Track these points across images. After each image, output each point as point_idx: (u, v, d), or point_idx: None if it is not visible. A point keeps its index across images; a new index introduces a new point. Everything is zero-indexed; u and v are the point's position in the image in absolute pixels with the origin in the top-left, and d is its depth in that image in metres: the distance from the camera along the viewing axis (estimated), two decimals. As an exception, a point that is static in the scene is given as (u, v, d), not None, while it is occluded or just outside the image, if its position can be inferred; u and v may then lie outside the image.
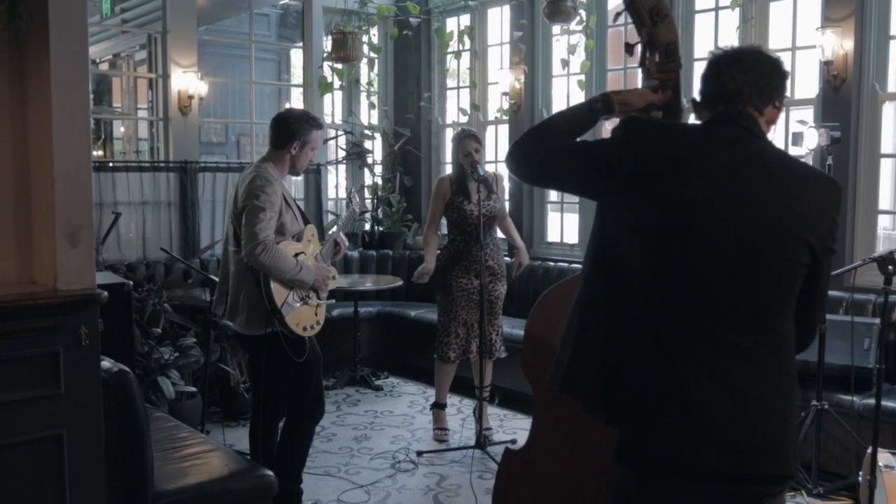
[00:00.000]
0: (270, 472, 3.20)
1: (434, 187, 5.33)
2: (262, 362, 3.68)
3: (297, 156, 3.76)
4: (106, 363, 2.74)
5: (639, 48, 2.24)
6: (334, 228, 4.17)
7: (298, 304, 3.67)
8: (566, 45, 6.45)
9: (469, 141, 4.96)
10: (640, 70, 2.25)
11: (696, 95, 1.98)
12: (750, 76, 1.87)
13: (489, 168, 5.50)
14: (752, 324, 1.80)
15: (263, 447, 3.83)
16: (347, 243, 4.13)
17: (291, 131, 3.71)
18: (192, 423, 5.03)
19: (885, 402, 3.95)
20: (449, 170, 7.60)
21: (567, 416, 2.45)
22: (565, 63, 6.39)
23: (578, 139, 2.02)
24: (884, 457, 3.13)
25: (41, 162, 2.48)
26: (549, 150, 1.97)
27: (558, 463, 2.52)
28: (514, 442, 5.10)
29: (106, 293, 2.48)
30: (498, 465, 2.77)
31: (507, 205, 5.28)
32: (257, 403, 3.83)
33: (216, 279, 4.52)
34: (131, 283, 3.86)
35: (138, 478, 2.81)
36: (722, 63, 1.91)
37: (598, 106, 2.07)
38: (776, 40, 5.48)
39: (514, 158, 2.03)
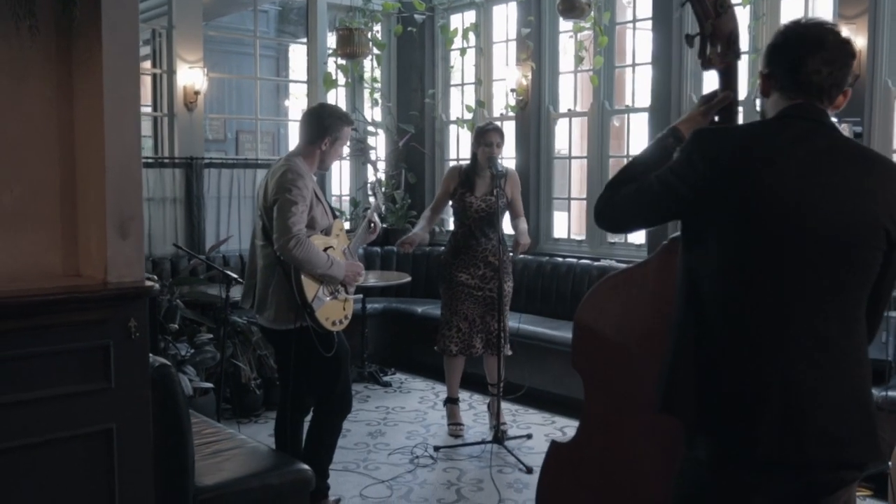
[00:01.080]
0: (307, 467, 3.19)
1: (445, 174, 5.33)
2: (290, 357, 3.66)
3: (328, 151, 3.74)
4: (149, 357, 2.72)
5: (698, 40, 2.25)
6: (368, 211, 4.18)
7: (328, 299, 3.66)
8: (574, 42, 6.45)
9: (493, 133, 4.96)
10: (698, 62, 2.27)
11: (764, 68, 1.95)
12: (832, 69, 1.87)
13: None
14: (836, 313, 1.83)
15: (291, 442, 3.81)
16: (380, 224, 4.14)
17: (324, 126, 3.69)
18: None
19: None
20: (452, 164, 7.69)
21: (620, 411, 2.45)
22: (580, 59, 6.39)
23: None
24: None
25: (90, 153, 2.45)
26: (628, 192, 2.00)
27: (611, 457, 2.51)
28: (529, 436, 5.11)
29: (157, 286, 2.46)
30: (543, 460, 2.75)
31: (519, 201, 5.21)
32: (285, 398, 3.81)
33: (232, 275, 4.52)
34: (156, 277, 3.82)
35: (181, 472, 2.80)
36: (804, 50, 1.87)
37: (670, 141, 2.12)
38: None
39: (602, 214, 2.07)
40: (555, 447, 2.73)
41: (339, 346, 3.74)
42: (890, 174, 1.89)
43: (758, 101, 2.11)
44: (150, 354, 2.79)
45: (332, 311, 3.70)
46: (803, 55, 1.87)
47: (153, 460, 2.60)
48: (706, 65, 2.20)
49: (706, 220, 1.87)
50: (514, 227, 5.11)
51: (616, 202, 2.03)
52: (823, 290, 1.81)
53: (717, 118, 2.19)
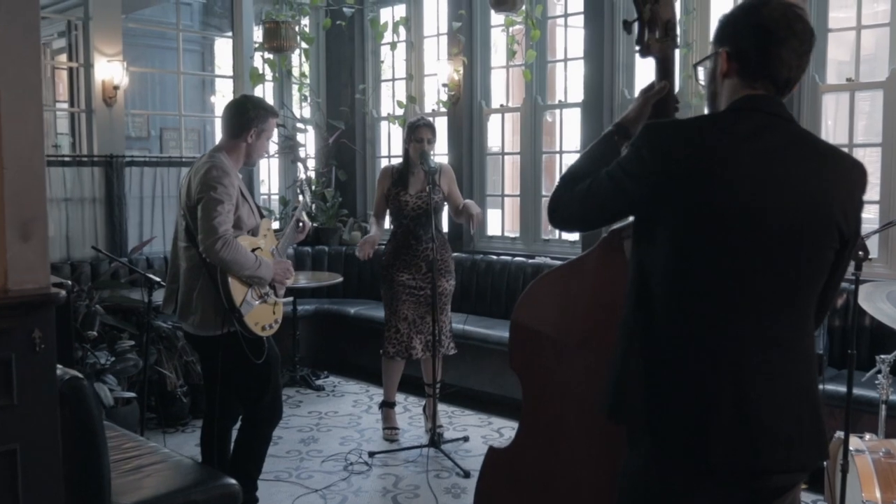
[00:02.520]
0: (234, 481, 3.02)
1: (377, 176, 5.20)
2: (216, 365, 3.47)
3: (254, 145, 3.56)
4: (57, 371, 2.51)
5: (636, 26, 2.18)
6: (296, 209, 4.01)
7: (257, 303, 3.48)
8: (506, 36, 6.36)
9: (423, 129, 4.83)
10: (636, 49, 2.19)
11: (727, 46, 1.82)
12: (800, 61, 1.78)
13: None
14: (787, 311, 1.75)
15: (218, 454, 3.62)
16: (310, 223, 3.97)
17: (248, 119, 3.51)
18: (129, 429, 4.80)
19: (834, 387, 4.00)
20: (385, 165, 7.53)
21: (560, 412, 2.36)
22: (512, 54, 6.30)
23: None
24: (853, 442, 3.14)
25: (-14, 148, 2.24)
26: (580, 190, 1.91)
27: (551, 460, 2.41)
28: (466, 439, 5.00)
29: (63, 292, 2.27)
30: (481, 466, 2.64)
31: (457, 194, 5.10)
32: (212, 408, 3.63)
33: (154, 278, 4.30)
34: (70, 283, 3.59)
35: (96, 493, 2.60)
36: (776, 38, 1.76)
37: (616, 138, 2.05)
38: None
39: (556, 213, 1.99)
40: (492, 453, 2.62)
41: (270, 351, 3.57)
42: (844, 170, 1.81)
43: (701, 81, 1.99)
44: (60, 367, 2.59)
45: (262, 315, 3.52)
46: (774, 43, 1.76)
47: (64, 482, 2.40)
48: (644, 51, 2.12)
49: (656, 217, 1.78)
50: (465, 208, 4.97)
51: (567, 201, 1.94)
52: (775, 291, 1.73)
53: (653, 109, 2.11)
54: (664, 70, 2.09)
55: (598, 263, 2.16)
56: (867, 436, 3.27)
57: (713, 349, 1.72)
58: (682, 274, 1.75)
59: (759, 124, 1.76)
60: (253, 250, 3.45)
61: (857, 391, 3.67)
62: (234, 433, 3.77)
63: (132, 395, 4.68)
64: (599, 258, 2.15)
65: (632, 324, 1.83)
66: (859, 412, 3.83)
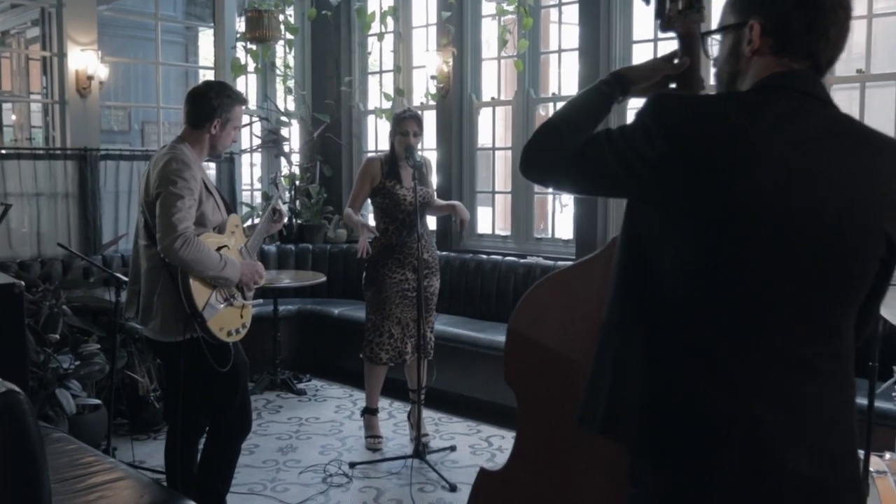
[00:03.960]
0: (192, 502, 2.75)
1: (361, 167, 4.91)
2: (179, 373, 3.21)
3: (218, 135, 3.30)
4: (-10, 383, 2.25)
5: None
6: (271, 198, 3.74)
7: (222, 306, 3.22)
8: (497, 26, 6.11)
9: (410, 122, 4.58)
10: (656, 23, 1.91)
11: (756, 18, 1.53)
12: (844, 37, 1.51)
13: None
14: (819, 331, 1.47)
15: (182, 469, 3.36)
16: (286, 211, 3.71)
17: (211, 107, 3.25)
18: (96, 439, 4.54)
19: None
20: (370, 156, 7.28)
21: (560, 432, 2.10)
22: (504, 43, 6.03)
23: (597, 130, 1.67)
24: (873, 461, 2.89)
25: None
26: (565, 147, 1.62)
27: (546, 484, 2.16)
28: (453, 448, 4.75)
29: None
30: (471, 491, 2.38)
31: (435, 193, 4.91)
32: (174, 420, 3.36)
33: (122, 277, 4.03)
34: (23, 283, 3.32)
35: (33, 519, 2.33)
36: (821, 7, 1.48)
37: (608, 89, 1.74)
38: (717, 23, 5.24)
39: (529, 162, 1.69)
40: (484, 476, 2.36)
41: (236, 358, 3.31)
42: (893, 163, 1.51)
43: (711, 56, 1.73)
44: (-4, 379, 2.34)
45: (228, 319, 3.26)
46: (821, 15, 1.48)
47: (-4, 508, 2.14)
48: (665, 25, 1.84)
49: (664, 207, 1.50)
50: (450, 206, 4.76)
51: (551, 154, 1.65)
52: (807, 305, 1.45)
53: (673, 85, 1.84)
54: (687, 47, 1.82)
55: (608, 268, 1.88)
56: (887, 455, 3.01)
57: (728, 368, 1.44)
58: (696, 278, 1.47)
59: (792, 106, 1.47)
60: (218, 249, 3.19)
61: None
62: (201, 446, 3.52)
63: (97, 401, 4.41)
64: (606, 266, 1.87)
65: (624, 325, 1.56)
66: (873, 425, 3.59)
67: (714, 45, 1.70)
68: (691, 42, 1.82)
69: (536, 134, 1.70)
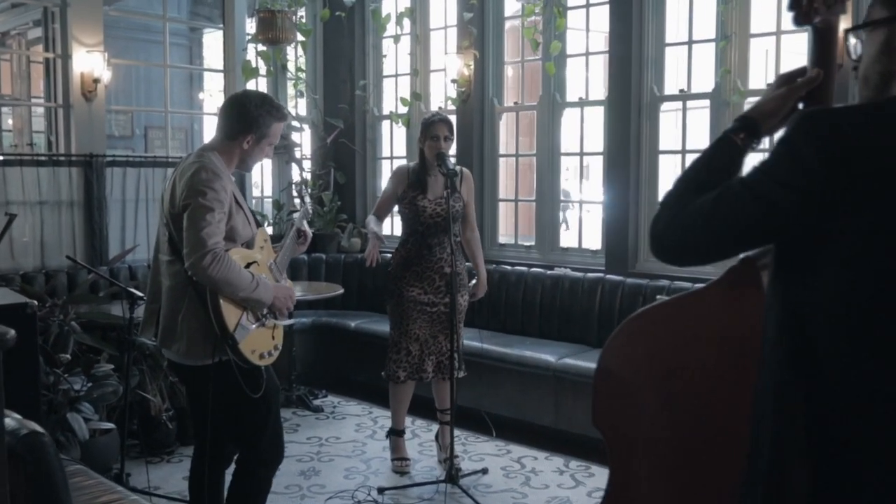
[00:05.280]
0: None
1: (391, 174, 4.69)
2: (207, 398, 2.95)
3: (250, 151, 3.03)
4: (10, 422, 2.01)
5: None
6: (296, 216, 3.49)
7: (254, 326, 2.96)
8: (521, 27, 5.87)
9: (440, 125, 4.33)
10: (790, 14, 1.64)
11: None
12: None
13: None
14: None
15: (210, 500, 3.11)
16: (310, 232, 3.46)
17: (250, 119, 2.98)
18: (107, 463, 4.29)
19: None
20: (387, 167, 7.04)
21: (661, 486, 1.84)
22: (536, 45, 5.78)
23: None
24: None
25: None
26: (699, 208, 1.39)
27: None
28: (485, 471, 4.49)
29: (13, 333, 1.75)
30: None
31: (473, 210, 4.64)
32: (201, 447, 3.11)
33: (136, 292, 3.78)
34: (36, 302, 3.06)
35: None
36: None
37: (740, 135, 1.51)
38: (759, 24, 5.02)
39: (662, 242, 1.46)
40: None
41: (268, 383, 3.05)
42: None
43: (852, 55, 1.48)
44: (16, 417, 2.09)
45: (259, 341, 3.00)
46: None
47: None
48: (799, 18, 1.58)
49: (820, 240, 1.27)
50: (472, 256, 4.56)
51: (680, 224, 1.42)
52: None
53: (802, 105, 1.59)
54: (823, 48, 1.56)
55: (722, 301, 1.62)
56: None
57: None
58: (864, 321, 1.24)
59: None
60: (248, 265, 2.93)
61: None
62: (229, 476, 3.26)
63: (110, 426, 4.14)
64: (725, 295, 1.61)
65: (781, 390, 1.33)
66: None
67: (857, 45, 1.47)
68: (830, 41, 1.57)
69: (661, 207, 1.48)
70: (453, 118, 6.29)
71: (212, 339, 2.86)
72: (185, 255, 2.79)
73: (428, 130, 4.36)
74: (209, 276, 2.75)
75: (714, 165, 1.49)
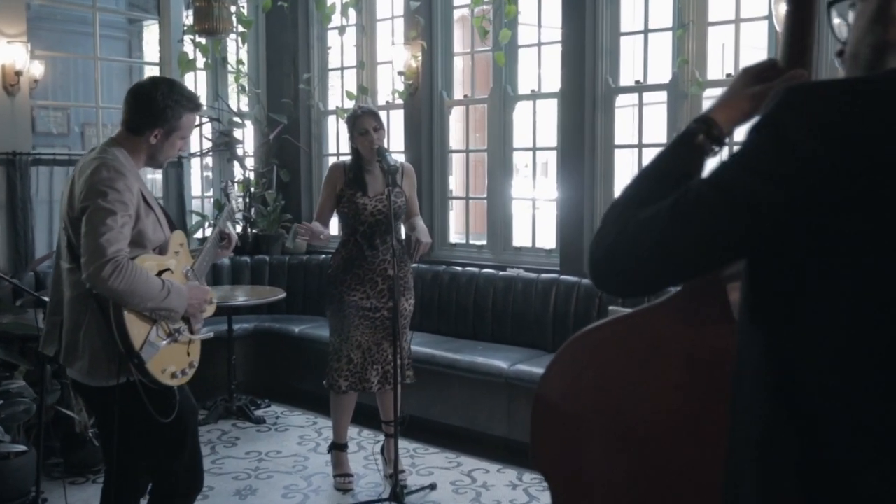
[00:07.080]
0: None
1: (326, 175, 4.39)
2: (112, 423, 2.65)
3: (159, 146, 2.72)
4: None
5: None
6: (218, 218, 3.18)
7: (165, 343, 2.65)
8: (471, 15, 5.60)
9: (365, 118, 4.07)
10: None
11: None
12: None
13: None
14: None
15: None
16: (236, 235, 3.16)
17: (157, 110, 2.67)
18: (23, 485, 3.95)
19: None
20: (333, 161, 6.72)
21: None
22: (484, 33, 5.51)
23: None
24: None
25: None
26: (650, 219, 1.11)
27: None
28: (433, 487, 4.23)
29: None
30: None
31: (416, 203, 4.38)
32: (109, 478, 2.80)
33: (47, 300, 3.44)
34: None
35: None
36: None
37: (700, 138, 1.23)
38: (717, 12, 4.81)
39: (604, 266, 1.16)
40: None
41: (183, 404, 2.74)
42: None
43: (836, 30, 1.23)
44: None
45: (172, 358, 2.70)
46: None
47: None
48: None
49: (812, 246, 1.02)
50: (412, 225, 4.23)
51: (628, 242, 1.13)
52: None
53: None
54: (800, 26, 1.29)
55: (678, 321, 1.35)
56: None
57: None
58: (866, 352, 0.99)
59: None
60: (160, 273, 2.63)
61: None
62: (143, 505, 2.96)
63: (22, 448, 3.81)
64: (682, 313, 1.33)
65: (766, 439, 1.07)
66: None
67: (841, 25, 1.23)
68: (811, 15, 1.32)
69: (601, 226, 1.19)
70: (401, 112, 6.04)
71: (116, 358, 2.56)
72: (83, 265, 2.48)
73: (355, 126, 4.11)
74: (110, 288, 2.44)
75: (672, 173, 1.21)
